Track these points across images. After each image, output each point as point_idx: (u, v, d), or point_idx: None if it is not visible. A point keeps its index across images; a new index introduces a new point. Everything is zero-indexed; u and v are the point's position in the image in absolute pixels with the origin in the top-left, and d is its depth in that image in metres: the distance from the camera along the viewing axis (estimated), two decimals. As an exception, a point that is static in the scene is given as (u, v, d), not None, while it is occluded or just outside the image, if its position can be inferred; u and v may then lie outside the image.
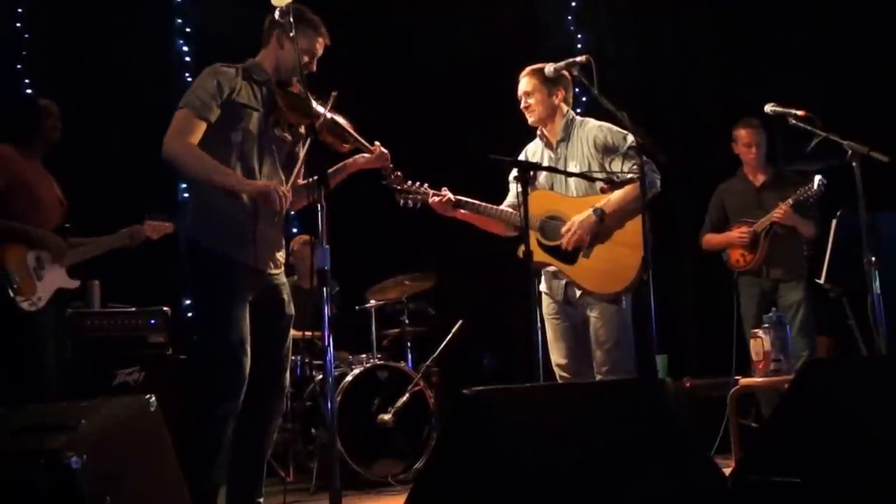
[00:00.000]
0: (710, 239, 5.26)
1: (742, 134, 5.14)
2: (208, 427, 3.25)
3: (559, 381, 3.84)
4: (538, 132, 4.00)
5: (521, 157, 3.98)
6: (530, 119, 3.95)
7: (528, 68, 3.94)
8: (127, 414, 2.81)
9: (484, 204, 3.89)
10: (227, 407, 3.27)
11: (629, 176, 3.66)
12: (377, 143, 3.59)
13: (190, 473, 2.93)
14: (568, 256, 3.77)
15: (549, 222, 3.81)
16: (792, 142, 4.94)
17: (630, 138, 3.71)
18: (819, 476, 2.50)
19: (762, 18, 6.57)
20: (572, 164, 3.84)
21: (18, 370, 3.92)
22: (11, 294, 3.88)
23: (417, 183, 3.86)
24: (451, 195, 3.85)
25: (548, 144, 3.94)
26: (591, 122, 3.91)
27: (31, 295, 3.94)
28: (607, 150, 3.81)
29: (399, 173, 3.71)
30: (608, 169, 3.77)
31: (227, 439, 3.30)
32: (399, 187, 3.78)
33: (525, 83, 3.92)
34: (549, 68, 3.76)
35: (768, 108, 4.57)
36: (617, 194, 3.74)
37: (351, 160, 3.60)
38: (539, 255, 3.75)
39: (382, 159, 3.60)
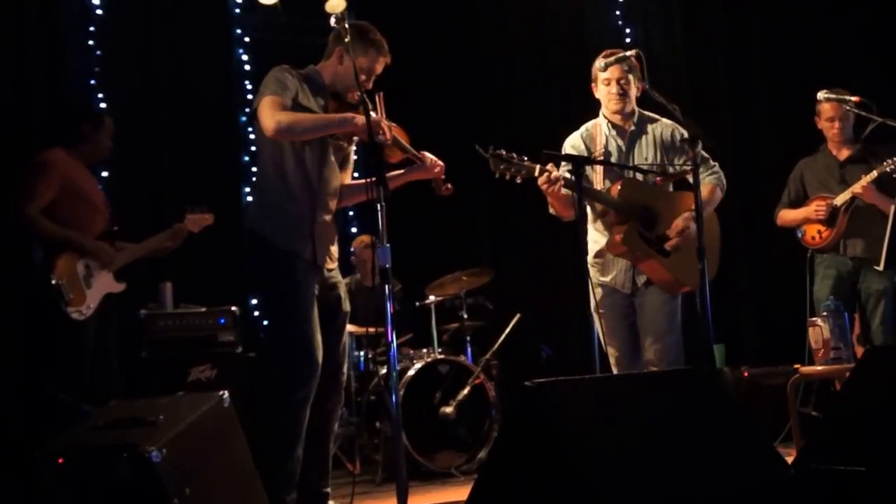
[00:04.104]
0: (786, 215, 4.98)
1: (825, 108, 4.82)
2: (287, 413, 3.35)
3: (615, 372, 3.86)
4: (604, 118, 3.93)
5: (578, 142, 3.92)
6: (619, 105, 3.85)
7: (621, 52, 3.78)
8: (202, 409, 2.92)
9: (595, 189, 3.79)
10: (304, 392, 3.37)
11: (688, 168, 3.69)
12: (426, 153, 3.58)
13: (263, 465, 3.05)
14: (662, 249, 3.78)
15: (646, 212, 3.78)
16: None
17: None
18: (883, 464, 2.48)
19: (813, 4, 6.49)
20: (641, 156, 3.86)
21: (61, 377, 3.99)
22: (64, 307, 3.96)
23: (521, 156, 3.62)
24: (562, 173, 3.64)
25: (620, 133, 3.91)
26: (665, 120, 3.94)
27: (81, 305, 4.02)
28: (675, 149, 3.87)
29: (450, 185, 3.64)
30: (673, 164, 3.80)
31: (303, 429, 3.40)
32: (502, 155, 3.55)
33: (620, 70, 3.82)
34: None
35: (822, 95, 4.52)
36: (709, 200, 3.80)
37: (402, 172, 3.61)
38: (635, 244, 3.73)
39: (433, 169, 3.58)
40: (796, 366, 4.43)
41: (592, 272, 3.86)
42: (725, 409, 2.74)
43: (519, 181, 3.58)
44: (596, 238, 3.88)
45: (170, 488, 2.65)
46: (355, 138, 3.61)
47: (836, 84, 4.55)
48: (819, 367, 4.20)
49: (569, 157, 3.65)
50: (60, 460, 2.77)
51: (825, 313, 4.21)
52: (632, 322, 3.87)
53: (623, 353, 3.87)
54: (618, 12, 6.95)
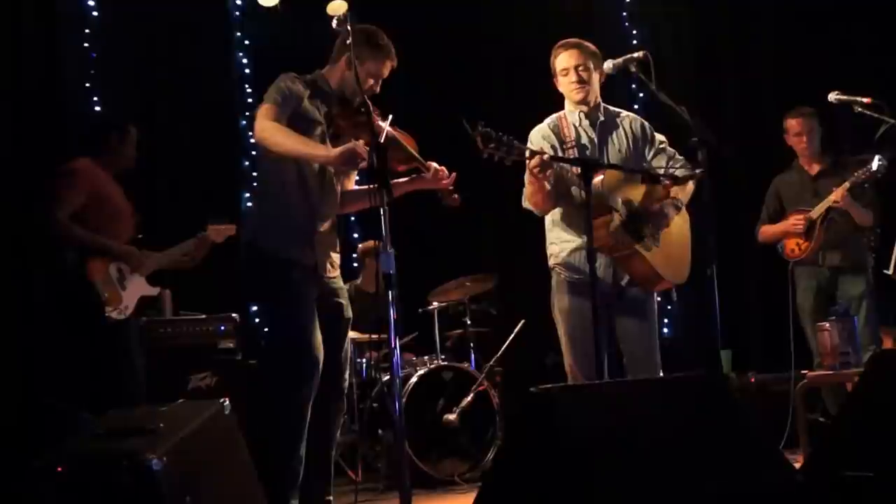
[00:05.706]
0: (766, 230, 5.15)
1: (792, 124, 5.01)
2: (289, 412, 3.36)
3: (573, 377, 3.68)
4: (571, 110, 3.86)
5: (549, 133, 3.83)
6: (581, 94, 3.78)
7: (584, 44, 3.78)
8: (203, 417, 2.92)
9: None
10: (305, 390, 3.37)
11: (682, 172, 3.69)
12: (432, 163, 3.55)
13: (267, 467, 3.03)
14: (643, 242, 3.70)
15: (628, 204, 3.72)
16: (859, 130, 4.88)
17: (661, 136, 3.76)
18: (891, 470, 2.47)
19: (822, 5, 6.47)
20: (615, 149, 3.80)
21: (107, 379, 4.06)
22: (102, 308, 4.02)
23: (511, 137, 3.43)
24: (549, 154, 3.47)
25: (592, 124, 3.84)
26: (631, 113, 3.92)
27: (118, 304, 4.09)
28: (646, 140, 3.85)
29: (457, 196, 3.59)
30: (644, 156, 3.80)
31: (305, 428, 3.38)
32: (490, 134, 3.32)
33: (584, 56, 3.76)
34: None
35: (832, 96, 4.53)
36: (685, 189, 3.78)
37: (406, 180, 3.60)
38: (621, 236, 3.66)
39: (440, 180, 3.56)
40: (804, 371, 4.42)
41: (565, 273, 3.74)
42: (733, 415, 2.72)
43: (508, 164, 3.37)
44: (566, 238, 3.76)
45: (170, 497, 2.65)
46: (360, 141, 3.58)
47: (847, 85, 4.54)
48: (828, 373, 4.19)
49: (578, 161, 3.58)
50: (60, 469, 2.76)
51: (833, 317, 4.21)
52: (602, 327, 3.69)
53: (589, 362, 3.51)
54: (624, 13, 6.93)
